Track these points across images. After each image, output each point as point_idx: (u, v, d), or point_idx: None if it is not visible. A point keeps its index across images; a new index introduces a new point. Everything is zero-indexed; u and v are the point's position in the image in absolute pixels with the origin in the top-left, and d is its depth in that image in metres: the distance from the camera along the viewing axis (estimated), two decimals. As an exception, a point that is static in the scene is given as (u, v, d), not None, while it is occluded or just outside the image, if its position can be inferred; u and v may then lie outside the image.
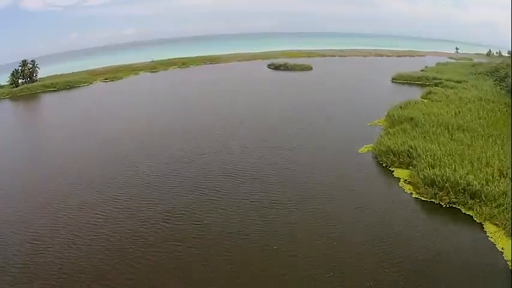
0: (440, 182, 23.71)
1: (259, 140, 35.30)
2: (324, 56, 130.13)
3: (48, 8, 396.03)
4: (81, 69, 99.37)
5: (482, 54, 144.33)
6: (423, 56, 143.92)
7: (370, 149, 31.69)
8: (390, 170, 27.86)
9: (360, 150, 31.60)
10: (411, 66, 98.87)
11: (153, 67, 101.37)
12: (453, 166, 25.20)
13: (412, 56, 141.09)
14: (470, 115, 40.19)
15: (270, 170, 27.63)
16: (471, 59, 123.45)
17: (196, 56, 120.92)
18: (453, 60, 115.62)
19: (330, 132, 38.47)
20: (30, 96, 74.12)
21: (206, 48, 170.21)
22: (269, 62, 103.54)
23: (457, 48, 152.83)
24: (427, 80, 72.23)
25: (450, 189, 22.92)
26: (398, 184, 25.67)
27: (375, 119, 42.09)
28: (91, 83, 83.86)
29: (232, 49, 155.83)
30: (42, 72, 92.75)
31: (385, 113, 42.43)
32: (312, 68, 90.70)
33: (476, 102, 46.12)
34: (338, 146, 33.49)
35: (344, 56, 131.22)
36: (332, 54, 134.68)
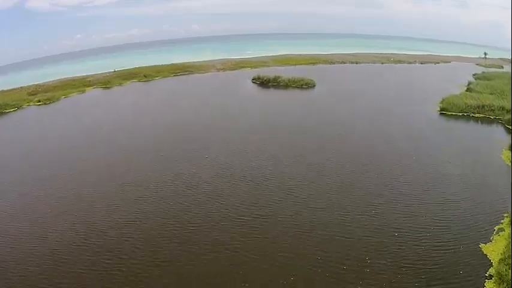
0: None
1: None
2: (331, 62, 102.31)
3: (53, 8, 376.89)
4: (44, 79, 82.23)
5: (507, 59, 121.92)
6: (448, 62, 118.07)
7: None
8: None
9: None
10: (447, 79, 72.49)
11: (107, 81, 75.48)
12: None
13: (437, 63, 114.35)
14: None
15: None
16: (501, 66, 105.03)
17: (171, 63, 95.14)
18: (485, 69, 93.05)
19: None
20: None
21: (194, 52, 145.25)
22: (259, 71, 76.81)
23: (485, 54, 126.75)
24: (492, 111, 44.87)
25: None
26: None
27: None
28: (21, 107, 59.12)
29: (226, 53, 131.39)
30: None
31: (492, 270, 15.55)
32: (314, 85, 62.68)
33: None
34: None
35: (356, 63, 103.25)
36: (342, 59, 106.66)
